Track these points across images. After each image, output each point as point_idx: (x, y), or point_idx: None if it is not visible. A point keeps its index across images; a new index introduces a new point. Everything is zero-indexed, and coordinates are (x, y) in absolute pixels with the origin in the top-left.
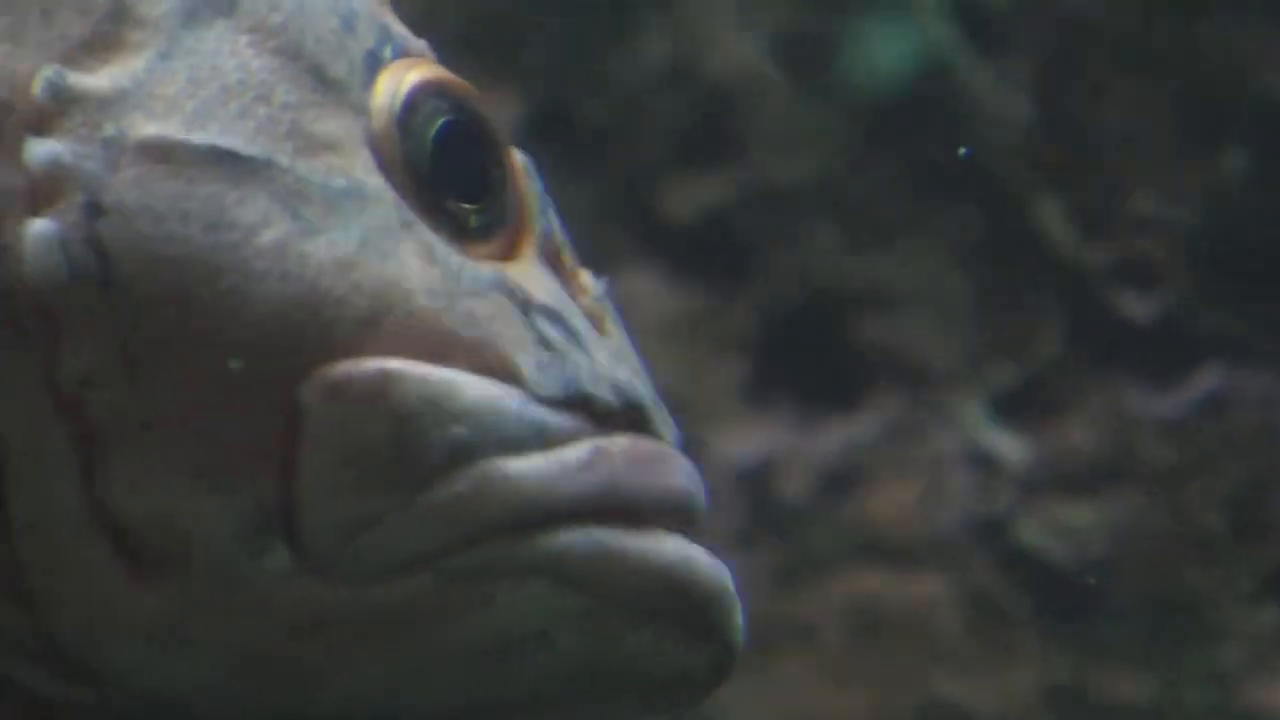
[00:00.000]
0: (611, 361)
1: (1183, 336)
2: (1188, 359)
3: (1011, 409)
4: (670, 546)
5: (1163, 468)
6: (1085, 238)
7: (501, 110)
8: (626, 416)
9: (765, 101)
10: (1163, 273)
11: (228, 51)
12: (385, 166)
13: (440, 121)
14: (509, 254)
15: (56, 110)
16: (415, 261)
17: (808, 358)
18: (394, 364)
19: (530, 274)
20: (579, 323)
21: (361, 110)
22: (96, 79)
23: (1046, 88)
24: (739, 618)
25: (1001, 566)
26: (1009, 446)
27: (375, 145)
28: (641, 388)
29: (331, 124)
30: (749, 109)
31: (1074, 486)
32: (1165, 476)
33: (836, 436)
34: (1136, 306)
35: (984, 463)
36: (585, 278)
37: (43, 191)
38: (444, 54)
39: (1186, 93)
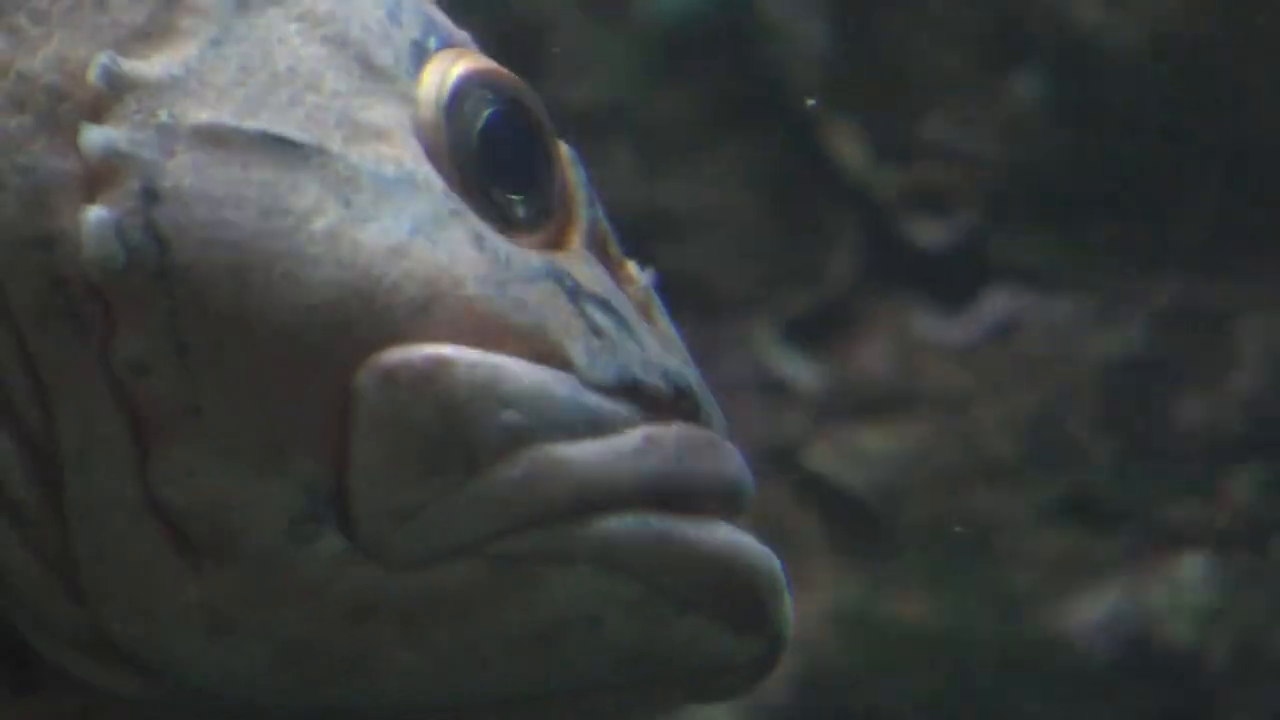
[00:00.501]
0: (661, 349)
1: (974, 263)
2: (979, 285)
3: (804, 335)
4: (721, 534)
5: (953, 393)
6: (879, 164)
7: None
8: (677, 404)
9: (561, 28)
10: (955, 199)
11: (277, 39)
12: (433, 155)
13: (487, 112)
14: (556, 244)
15: (112, 97)
16: (465, 249)
17: None
18: (446, 350)
19: (579, 262)
20: (628, 311)
21: (408, 99)
22: (150, 66)
23: (842, 15)
24: (789, 608)
25: (793, 492)
26: (801, 372)
27: (422, 134)
28: (690, 376)
29: (379, 112)
30: (545, 36)
31: (866, 412)
32: (956, 402)
33: None
34: (929, 233)
35: (776, 389)
36: (631, 268)
37: (99, 178)
38: None
39: (982, 20)
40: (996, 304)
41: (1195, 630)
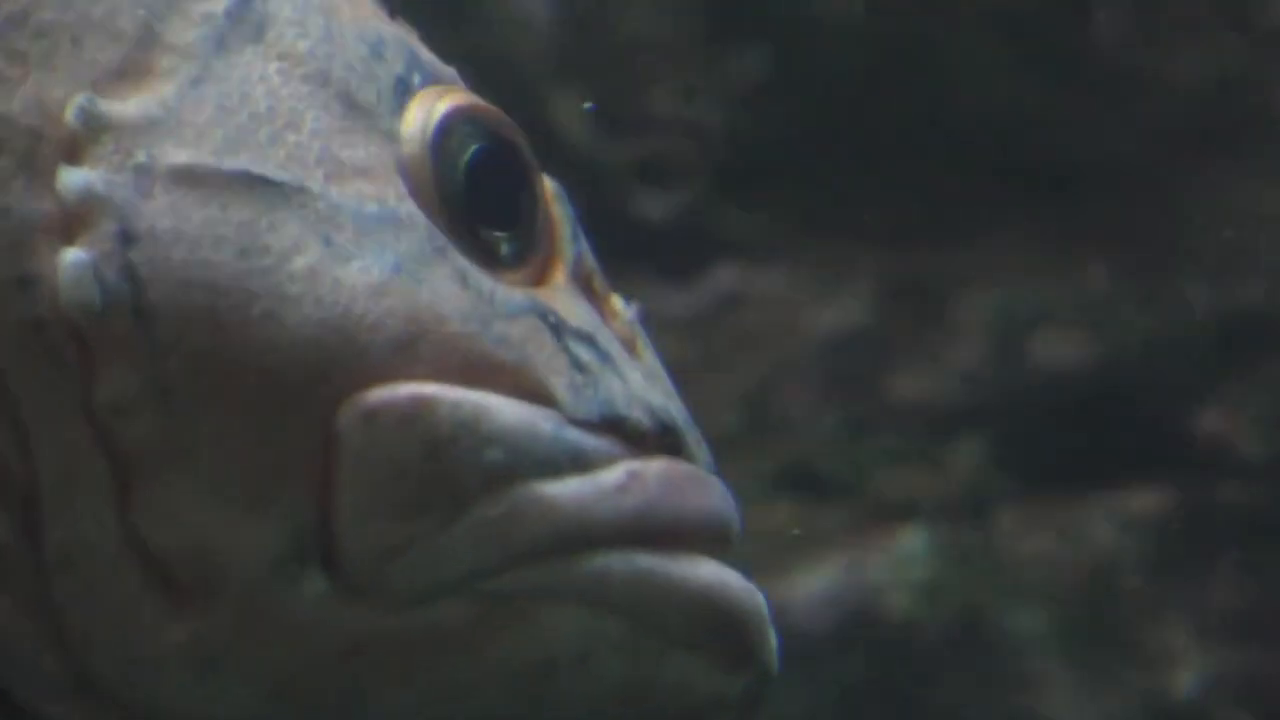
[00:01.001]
0: (645, 384)
1: (699, 236)
2: (703, 258)
3: None
4: (706, 571)
5: (677, 365)
6: (604, 136)
7: None
8: (660, 439)
9: None
10: (680, 172)
11: (257, 78)
12: (416, 193)
13: (473, 148)
14: (541, 279)
15: (88, 138)
16: (448, 286)
17: None
18: (428, 388)
19: (563, 298)
20: (612, 346)
21: (392, 136)
22: (127, 106)
23: None
24: (774, 643)
25: None
26: None
27: (406, 171)
28: (675, 410)
29: (362, 150)
30: None
31: None
32: (679, 373)
33: None
34: (654, 205)
35: None
36: (616, 302)
37: (76, 220)
38: None
39: None
40: (720, 277)
41: (914, 602)
